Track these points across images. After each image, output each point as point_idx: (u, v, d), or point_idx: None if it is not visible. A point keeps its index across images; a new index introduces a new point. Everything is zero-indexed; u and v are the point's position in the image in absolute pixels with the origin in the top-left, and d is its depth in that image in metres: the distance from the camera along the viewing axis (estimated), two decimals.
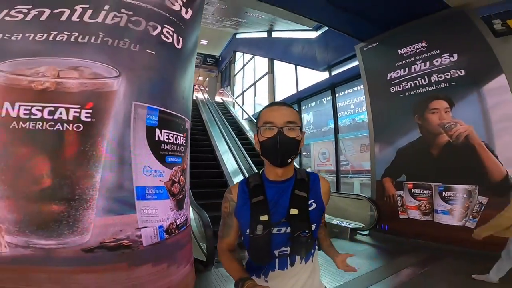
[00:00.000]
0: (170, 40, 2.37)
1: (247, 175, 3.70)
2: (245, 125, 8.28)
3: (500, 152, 3.18)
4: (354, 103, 6.11)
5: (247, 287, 0.81)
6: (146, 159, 1.92)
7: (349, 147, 6.29)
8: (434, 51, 4.02)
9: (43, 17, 1.87)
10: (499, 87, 3.29)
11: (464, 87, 3.59)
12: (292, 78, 7.78)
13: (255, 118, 7.57)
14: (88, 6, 2.01)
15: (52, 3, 1.94)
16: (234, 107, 10.62)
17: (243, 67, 12.48)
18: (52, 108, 1.57)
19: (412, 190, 3.95)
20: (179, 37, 2.48)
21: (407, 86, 4.19)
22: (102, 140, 1.68)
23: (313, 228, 0.93)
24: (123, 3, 2.15)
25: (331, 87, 6.42)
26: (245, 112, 9.29)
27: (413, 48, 4.27)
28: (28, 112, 1.54)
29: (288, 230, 0.90)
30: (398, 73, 4.38)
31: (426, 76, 4.01)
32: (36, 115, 1.55)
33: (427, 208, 3.77)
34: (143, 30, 2.18)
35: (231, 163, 5.92)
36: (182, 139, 2.36)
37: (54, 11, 1.90)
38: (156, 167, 2.00)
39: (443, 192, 3.62)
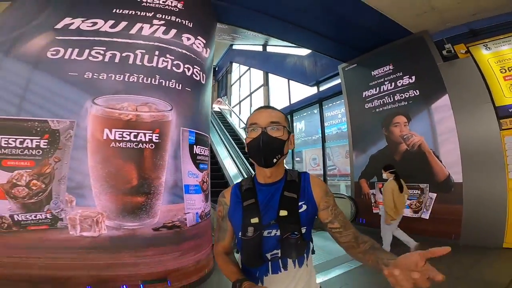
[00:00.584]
0: (198, 78, 3.26)
1: None
2: (242, 134, 9.15)
3: (443, 158, 4.18)
4: (342, 113, 6.93)
5: None
6: (189, 166, 2.80)
7: (336, 154, 7.24)
8: (398, 73, 4.96)
9: (116, 60, 2.71)
10: (444, 105, 4.27)
11: (418, 105, 4.58)
12: (285, 91, 8.76)
13: None
14: (144, 51, 2.86)
15: (120, 47, 2.77)
16: (231, 116, 11.48)
17: (239, 78, 13.37)
18: (136, 133, 2.43)
19: (381, 189, 4.89)
20: (203, 74, 3.38)
21: (377, 104, 5.18)
22: (165, 155, 2.55)
23: (303, 230, 0.91)
24: (167, 49, 3.02)
25: (318, 101, 7.40)
26: (241, 121, 10.19)
27: (383, 70, 5.22)
28: (120, 135, 2.39)
29: (278, 232, 0.90)
30: (371, 91, 5.34)
31: (391, 95, 4.98)
32: (126, 138, 2.40)
33: None
34: (182, 71, 3.06)
35: (231, 167, 6.78)
36: (207, 151, 3.25)
37: (122, 54, 2.74)
38: (195, 172, 2.88)
39: None
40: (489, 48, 4.11)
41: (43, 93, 2.27)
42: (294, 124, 8.44)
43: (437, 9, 4.05)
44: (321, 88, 7.46)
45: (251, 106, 11.41)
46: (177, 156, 2.65)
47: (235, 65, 14.04)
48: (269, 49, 10.23)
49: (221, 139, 8.10)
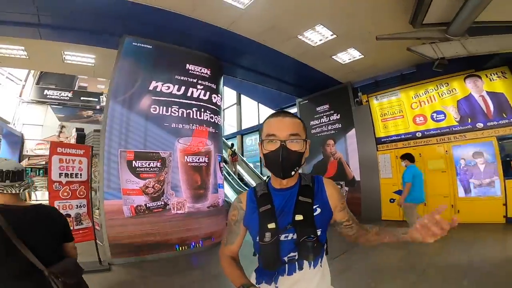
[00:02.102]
0: (219, 123, 5.52)
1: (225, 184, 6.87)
2: None
3: (351, 166, 7.30)
4: None
5: None
6: (219, 174, 5.11)
7: None
8: (331, 111, 7.94)
9: (185, 115, 4.83)
10: (352, 134, 7.38)
11: (340, 133, 7.65)
12: (255, 112, 11.31)
13: (226, 139, 10.58)
14: (196, 109, 5.02)
15: (184, 106, 4.84)
16: None
17: None
18: (200, 157, 4.66)
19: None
20: (220, 118, 5.65)
21: (318, 130, 8.13)
22: (211, 168, 4.83)
23: (319, 233, 0.95)
24: (206, 107, 5.13)
25: None
26: None
27: (323, 107, 8.18)
28: (192, 159, 4.59)
29: (295, 236, 0.93)
30: (315, 122, 8.27)
31: (326, 125, 7.96)
32: (194, 160, 4.61)
33: None
34: (213, 121, 5.27)
35: None
36: (222, 164, 5.58)
37: (186, 111, 4.82)
38: (221, 176, 5.20)
39: None
40: (377, 99, 7.31)
41: (154, 136, 4.29)
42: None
43: (357, 71, 6.89)
44: None
45: (223, 120, 13.62)
46: (215, 169, 4.95)
47: None
48: None
49: None
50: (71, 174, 3.54)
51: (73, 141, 8.05)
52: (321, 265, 1.00)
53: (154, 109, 4.46)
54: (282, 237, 0.95)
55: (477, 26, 3.94)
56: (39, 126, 11.81)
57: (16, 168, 1.27)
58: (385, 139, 6.84)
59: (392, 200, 6.28)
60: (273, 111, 1.05)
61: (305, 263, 0.96)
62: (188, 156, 4.56)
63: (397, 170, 6.35)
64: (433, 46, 4.28)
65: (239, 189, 8.82)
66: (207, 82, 5.25)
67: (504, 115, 5.28)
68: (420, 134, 6.24)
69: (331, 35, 4.96)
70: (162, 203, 4.21)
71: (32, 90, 11.93)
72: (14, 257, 1.10)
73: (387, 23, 4.46)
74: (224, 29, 4.66)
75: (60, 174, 3.44)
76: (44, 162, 9.44)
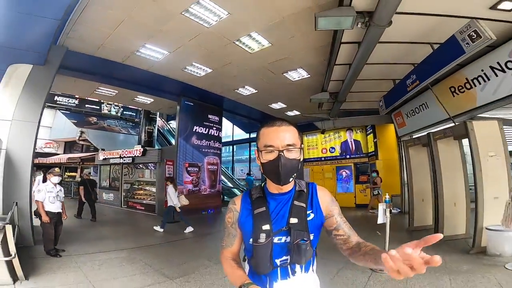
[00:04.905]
0: (221, 146, 10.16)
1: None
2: None
3: None
4: None
5: None
6: (220, 175, 9.74)
7: (257, 169, 15.06)
8: None
9: (209, 145, 9.30)
10: None
11: None
12: (230, 130, 15.94)
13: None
14: (213, 141, 9.53)
15: (208, 138, 9.31)
16: None
17: None
18: (213, 166, 9.26)
19: None
20: (221, 144, 10.30)
21: None
22: (218, 172, 9.45)
23: (312, 237, 0.98)
24: (216, 137, 9.74)
25: (249, 141, 15.03)
26: None
27: None
28: (210, 167, 9.13)
29: (288, 239, 0.96)
30: None
31: None
32: (211, 168, 9.16)
33: None
34: (219, 146, 9.89)
35: None
36: (224, 169, 10.26)
37: (209, 143, 9.34)
38: (221, 176, 9.85)
39: None
40: (306, 136, 12.77)
41: (196, 155, 8.65)
42: (235, 150, 15.82)
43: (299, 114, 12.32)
44: (251, 136, 15.16)
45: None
46: (219, 172, 9.57)
47: None
48: None
49: None
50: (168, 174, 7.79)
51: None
52: (313, 270, 1.04)
53: (195, 141, 8.86)
54: (276, 240, 0.97)
55: (343, 111, 9.40)
56: (48, 128, 14.09)
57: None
58: (307, 160, 12.36)
59: None
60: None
61: (298, 267, 0.99)
62: (209, 165, 9.07)
63: (311, 179, 11.85)
64: (322, 122, 9.78)
65: None
66: (217, 125, 9.83)
67: (358, 152, 11.20)
68: (323, 158, 11.90)
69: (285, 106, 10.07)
70: (198, 188, 8.63)
71: None
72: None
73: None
74: (226, 97, 9.09)
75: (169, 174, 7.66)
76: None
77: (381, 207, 3.64)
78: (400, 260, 0.58)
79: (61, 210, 4.26)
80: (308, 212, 1.01)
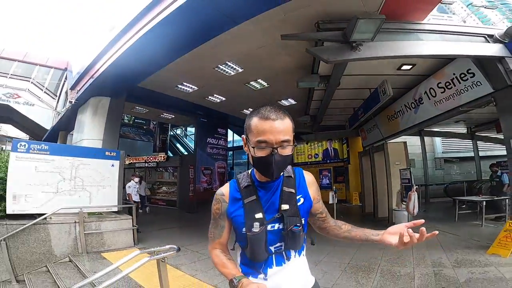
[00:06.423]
0: (226, 153, 12.70)
1: None
2: None
3: None
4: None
5: (243, 285, 0.85)
6: (227, 175, 12.27)
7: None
8: None
9: (219, 152, 11.80)
10: None
11: None
12: (230, 137, 18.45)
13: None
14: (221, 150, 12.03)
15: (219, 148, 11.84)
16: None
17: None
18: (222, 169, 11.75)
19: None
20: (226, 151, 12.85)
21: None
22: (226, 173, 11.95)
23: (303, 222, 1.00)
24: (223, 148, 12.27)
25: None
26: None
27: None
28: (219, 170, 11.63)
29: (281, 226, 0.97)
30: None
31: None
32: (220, 171, 11.66)
33: None
34: (226, 154, 12.42)
35: None
36: (228, 171, 12.80)
37: (221, 152, 11.85)
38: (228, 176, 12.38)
39: None
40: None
41: (209, 160, 11.17)
42: (235, 155, 18.33)
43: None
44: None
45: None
46: (226, 173, 12.07)
47: None
48: None
49: None
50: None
51: None
52: (303, 254, 1.06)
53: (209, 150, 11.37)
54: (269, 227, 0.97)
55: (322, 126, 12.01)
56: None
57: None
58: (296, 164, 14.96)
59: None
60: (261, 108, 0.94)
61: (292, 252, 1.00)
62: (219, 168, 11.56)
63: None
64: (306, 136, 12.48)
65: None
66: (224, 136, 12.40)
67: (336, 158, 13.91)
68: (309, 163, 14.56)
69: None
70: (210, 186, 11.07)
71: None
72: None
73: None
74: (232, 115, 11.63)
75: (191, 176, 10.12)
76: None
77: (330, 193, 6.22)
78: (397, 234, 0.82)
79: (139, 200, 6.68)
80: (298, 197, 1.02)
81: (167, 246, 2.14)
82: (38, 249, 4.50)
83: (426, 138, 11.55)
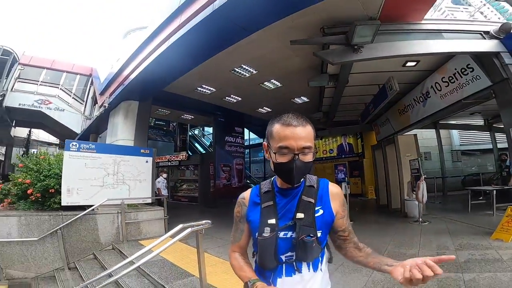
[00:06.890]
0: (243, 151, 13.33)
1: None
2: None
3: None
4: None
5: None
6: (244, 172, 12.89)
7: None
8: None
9: (229, 148, 12.48)
10: None
11: None
12: (246, 136, 19.08)
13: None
14: (236, 148, 12.68)
15: (234, 147, 12.51)
16: None
17: None
18: (240, 166, 12.40)
19: None
20: (243, 149, 13.47)
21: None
22: (243, 170, 12.57)
23: (319, 234, 0.95)
24: (240, 146, 12.91)
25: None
26: None
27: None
28: (238, 166, 12.30)
29: (294, 235, 0.94)
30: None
31: None
32: (239, 168, 12.32)
33: None
34: (243, 151, 13.05)
35: None
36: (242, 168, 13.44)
37: (238, 150, 12.51)
38: (245, 172, 12.99)
39: None
40: None
41: (228, 158, 11.84)
42: (251, 153, 18.96)
43: None
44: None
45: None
46: (244, 170, 12.68)
47: None
48: None
49: None
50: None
51: None
52: (321, 270, 0.99)
53: (227, 148, 12.06)
54: (281, 235, 0.95)
55: (336, 122, 12.28)
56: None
57: None
58: None
59: None
60: (283, 116, 0.97)
61: (304, 265, 0.96)
62: (237, 165, 12.21)
63: (315, 174, 14.82)
64: (320, 132, 12.79)
65: None
66: (241, 135, 13.02)
67: (351, 153, 14.10)
68: (324, 158, 14.84)
69: None
70: (229, 182, 11.75)
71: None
72: None
73: None
74: (247, 114, 12.30)
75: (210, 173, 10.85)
76: None
77: (343, 184, 6.60)
78: (407, 269, 0.69)
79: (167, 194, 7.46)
80: (316, 208, 0.98)
81: (203, 221, 2.72)
82: (88, 237, 5.14)
83: (443, 131, 11.47)
